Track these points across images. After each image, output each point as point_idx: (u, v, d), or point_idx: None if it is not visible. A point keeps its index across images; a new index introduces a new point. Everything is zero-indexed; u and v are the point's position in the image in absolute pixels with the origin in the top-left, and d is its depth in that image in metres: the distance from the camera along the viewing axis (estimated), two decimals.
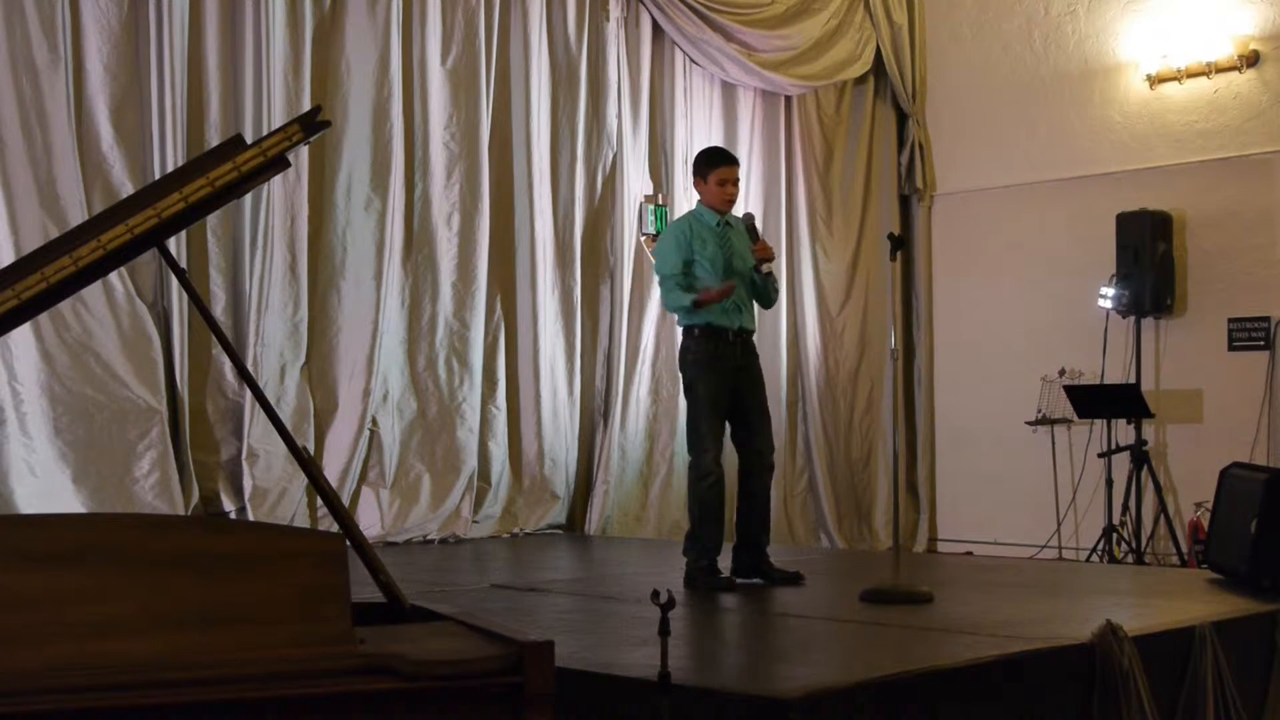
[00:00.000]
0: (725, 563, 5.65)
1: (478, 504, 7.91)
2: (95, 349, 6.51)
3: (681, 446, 8.87)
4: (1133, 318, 8.98)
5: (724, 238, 5.67)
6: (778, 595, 5.41)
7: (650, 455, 8.75)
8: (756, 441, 5.66)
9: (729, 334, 5.60)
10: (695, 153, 8.96)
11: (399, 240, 7.65)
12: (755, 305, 5.78)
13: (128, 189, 6.49)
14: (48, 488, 6.26)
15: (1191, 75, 8.97)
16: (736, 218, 5.80)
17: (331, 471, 7.19)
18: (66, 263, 2.65)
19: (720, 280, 5.56)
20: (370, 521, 7.30)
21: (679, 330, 5.91)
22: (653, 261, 8.77)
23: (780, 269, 9.64)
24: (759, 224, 6.19)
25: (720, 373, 5.57)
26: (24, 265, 2.70)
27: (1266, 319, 8.68)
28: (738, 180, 5.76)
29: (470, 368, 7.89)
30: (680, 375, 5.81)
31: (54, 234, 5.98)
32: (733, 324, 5.61)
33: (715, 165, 5.72)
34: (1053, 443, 9.34)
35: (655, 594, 2.78)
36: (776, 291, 5.83)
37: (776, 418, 9.46)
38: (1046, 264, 9.52)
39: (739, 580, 5.55)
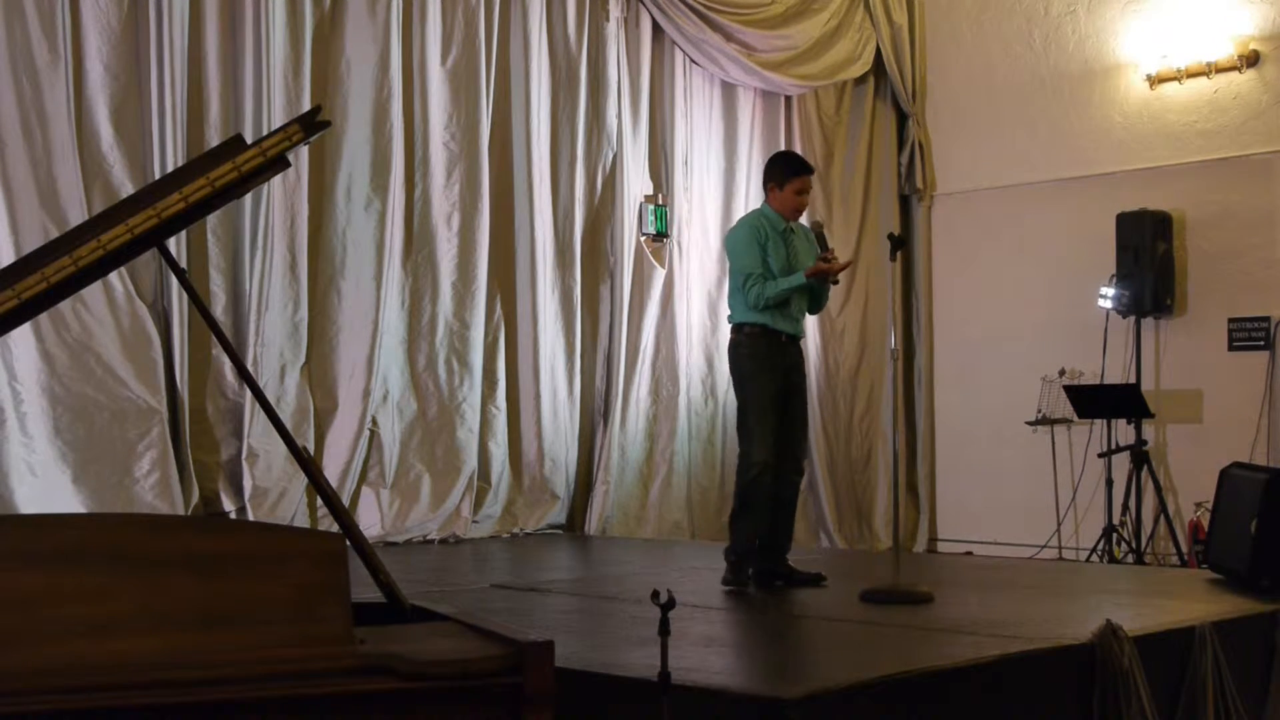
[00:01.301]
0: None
1: (478, 504, 7.91)
2: (95, 349, 6.50)
3: (682, 446, 8.90)
4: (1133, 318, 8.97)
5: (790, 243, 5.65)
6: (778, 595, 5.41)
7: (650, 455, 8.74)
8: (793, 447, 5.66)
9: (782, 336, 5.60)
10: (695, 153, 9.19)
11: (399, 240, 7.65)
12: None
13: (128, 189, 6.49)
14: (48, 488, 6.26)
15: (1191, 75, 8.97)
16: (801, 224, 5.77)
17: (331, 471, 7.19)
18: (66, 263, 2.66)
19: None
20: (370, 521, 7.30)
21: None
22: (654, 265, 8.85)
23: None
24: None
25: (773, 371, 5.56)
26: (24, 265, 2.71)
27: (1266, 319, 8.68)
28: (810, 189, 5.76)
29: (470, 368, 7.89)
30: (734, 373, 5.73)
31: (54, 234, 5.98)
32: (788, 328, 5.61)
33: (796, 174, 5.67)
34: (1053, 443, 9.34)
35: (655, 594, 2.78)
36: (827, 297, 5.82)
37: None
38: (1046, 264, 9.52)
39: (760, 589, 5.52)
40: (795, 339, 5.68)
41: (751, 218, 5.80)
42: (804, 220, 5.79)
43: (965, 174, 10.10)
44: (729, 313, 5.77)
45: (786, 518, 5.70)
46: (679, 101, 9.14)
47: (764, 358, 5.56)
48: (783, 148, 9.71)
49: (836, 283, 5.67)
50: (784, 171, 5.71)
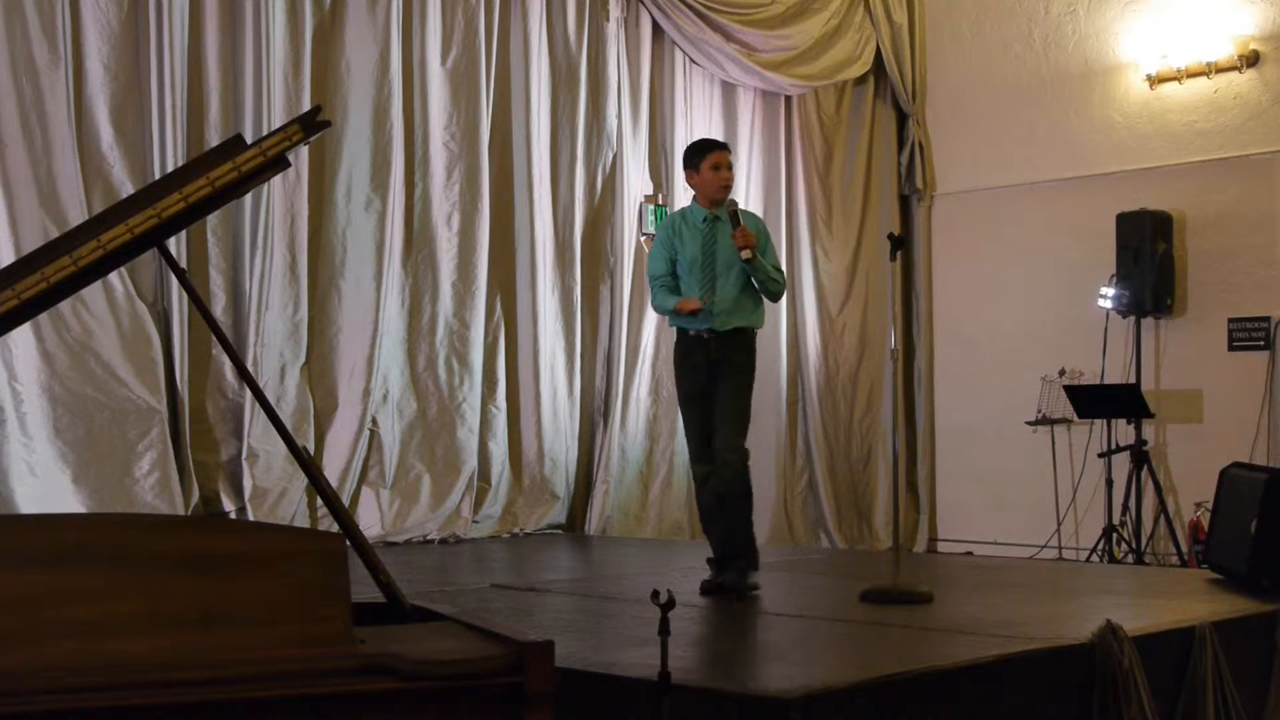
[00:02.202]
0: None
1: (478, 504, 7.91)
2: (95, 349, 6.50)
3: (682, 446, 8.87)
4: (1133, 318, 8.98)
5: (709, 236, 5.43)
6: (778, 595, 5.41)
7: (650, 455, 8.74)
8: (717, 440, 5.36)
9: (689, 333, 5.45)
10: None
11: (399, 240, 7.65)
12: (763, 299, 5.52)
13: (128, 189, 6.49)
14: (48, 488, 6.26)
15: (1191, 75, 8.98)
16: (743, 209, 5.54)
17: (331, 471, 7.19)
18: (66, 263, 2.65)
19: (697, 280, 5.40)
20: (370, 521, 7.30)
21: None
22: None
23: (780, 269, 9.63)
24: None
25: (689, 371, 5.45)
26: (24, 265, 2.70)
27: (1266, 319, 8.68)
28: (731, 165, 5.59)
29: (470, 368, 7.89)
30: None
31: (54, 234, 5.98)
32: (698, 325, 5.39)
33: (705, 152, 5.52)
34: (1053, 443, 9.34)
35: (655, 594, 2.78)
36: (775, 281, 5.47)
37: (776, 417, 9.48)
38: (1046, 264, 9.52)
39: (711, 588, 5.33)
40: (717, 334, 5.37)
41: (671, 217, 5.67)
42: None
43: (965, 174, 10.10)
44: None
45: (729, 517, 5.34)
46: (679, 101, 9.14)
47: (679, 361, 5.51)
48: (783, 148, 9.75)
49: (749, 259, 5.30)
50: (696, 154, 5.55)
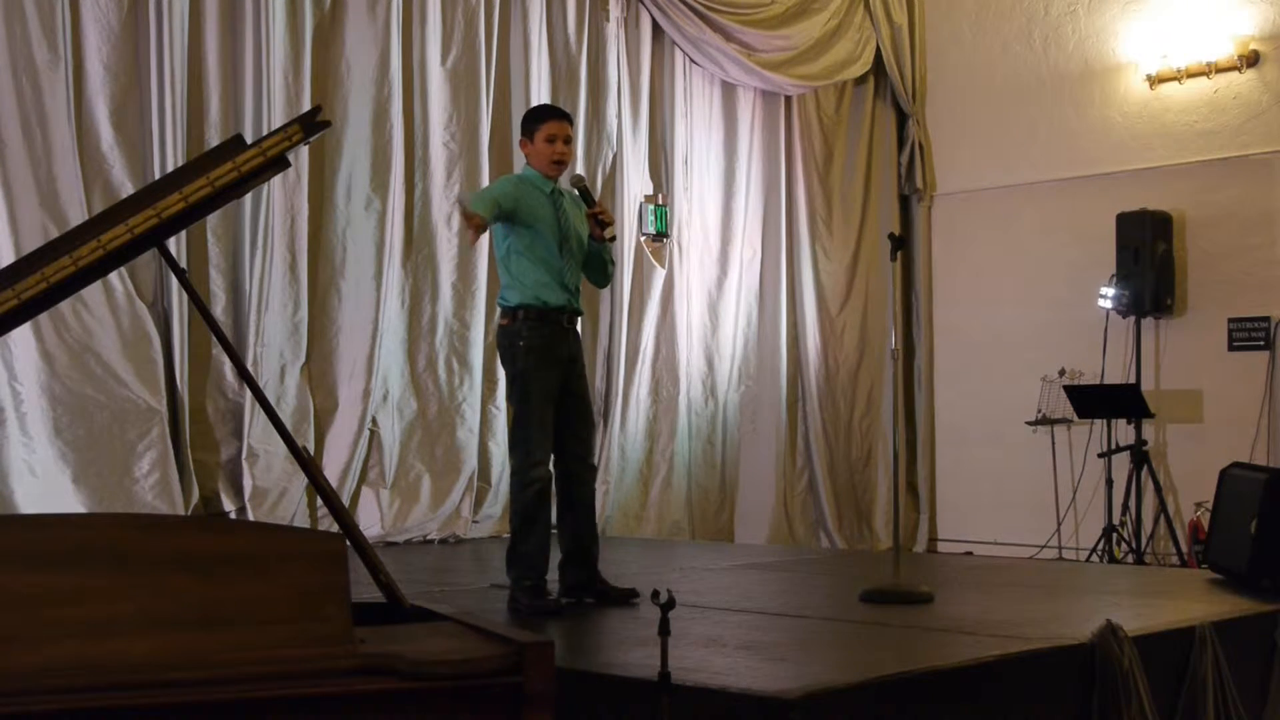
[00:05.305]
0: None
1: (478, 504, 7.91)
2: (95, 349, 6.50)
3: (682, 446, 8.89)
4: (1133, 318, 8.98)
5: (560, 206, 4.93)
6: (778, 595, 5.41)
7: (650, 455, 8.74)
8: (581, 443, 4.99)
9: (564, 317, 4.88)
10: (695, 153, 9.20)
11: (399, 240, 7.65)
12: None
13: (128, 189, 6.48)
14: (48, 488, 6.26)
15: (1191, 75, 8.98)
16: (570, 189, 5.05)
17: (331, 471, 7.19)
18: (66, 263, 2.66)
19: (559, 253, 4.86)
20: (370, 521, 7.30)
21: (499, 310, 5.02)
22: (654, 265, 8.85)
23: (780, 269, 9.65)
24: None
25: (555, 363, 4.84)
26: (24, 265, 2.71)
27: (1266, 319, 8.69)
28: (570, 139, 5.02)
29: (470, 368, 7.89)
30: (506, 366, 4.94)
31: (54, 234, 5.98)
32: (569, 304, 4.88)
33: (542, 120, 4.98)
34: (1053, 443, 9.34)
35: (655, 594, 2.78)
36: (612, 264, 5.10)
37: (776, 417, 9.48)
38: (1046, 264, 9.52)
39: (568, 600, 4.99)
40: (577, 316, 4.95)
41: (509, 178, 5.14)
42: (566, 184, 5.05)
43: (965, 174, 10.10)
44: (500, 296, 4.99)
45: (589, 523, 5.07)
46: (679, 101, 9.14)
47: (544, 349, 4.82)
48: (783, 148, 9.74)
49: (612, 238, 4.96)
50: (532, 120, 5.03)
